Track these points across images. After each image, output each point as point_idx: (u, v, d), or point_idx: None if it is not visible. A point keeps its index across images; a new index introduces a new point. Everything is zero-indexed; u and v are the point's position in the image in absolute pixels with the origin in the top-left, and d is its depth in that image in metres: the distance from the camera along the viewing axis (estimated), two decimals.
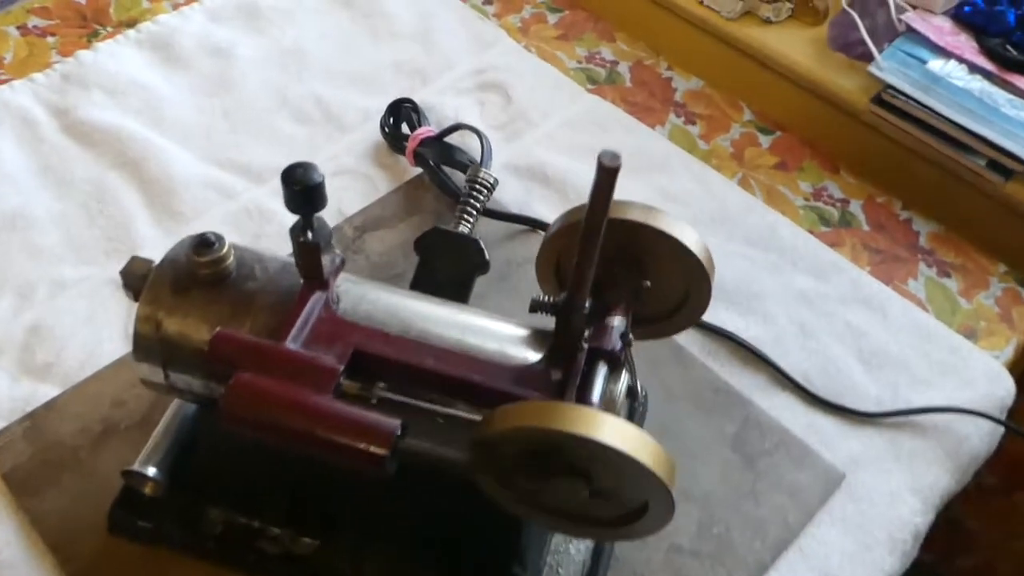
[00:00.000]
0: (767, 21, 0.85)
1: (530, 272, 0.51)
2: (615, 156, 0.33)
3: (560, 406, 0.36)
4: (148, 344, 0.46)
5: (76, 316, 0.65)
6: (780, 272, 0.70)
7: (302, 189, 0.39)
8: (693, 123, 0.83)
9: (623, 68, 0.87)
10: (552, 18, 0.93)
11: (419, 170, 0.75)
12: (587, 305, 0.39)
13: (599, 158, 0.33)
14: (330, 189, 0.74)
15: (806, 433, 0.61)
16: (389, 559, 0.51)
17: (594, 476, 0.37)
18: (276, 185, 0.73)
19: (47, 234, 0.70)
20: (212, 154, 0.76)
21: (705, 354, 0.65)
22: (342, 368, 0.40)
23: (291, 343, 0.41)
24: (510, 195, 0.73)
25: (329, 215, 0.73)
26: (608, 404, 0.42)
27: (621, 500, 0.39)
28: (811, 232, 0.74)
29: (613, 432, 0.35)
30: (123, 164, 0.74)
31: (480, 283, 0.60)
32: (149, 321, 0.46)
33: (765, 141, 0.81)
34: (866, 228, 0.75)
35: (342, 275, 0.48)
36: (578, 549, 0.54)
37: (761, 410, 0.62)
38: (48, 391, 0.60)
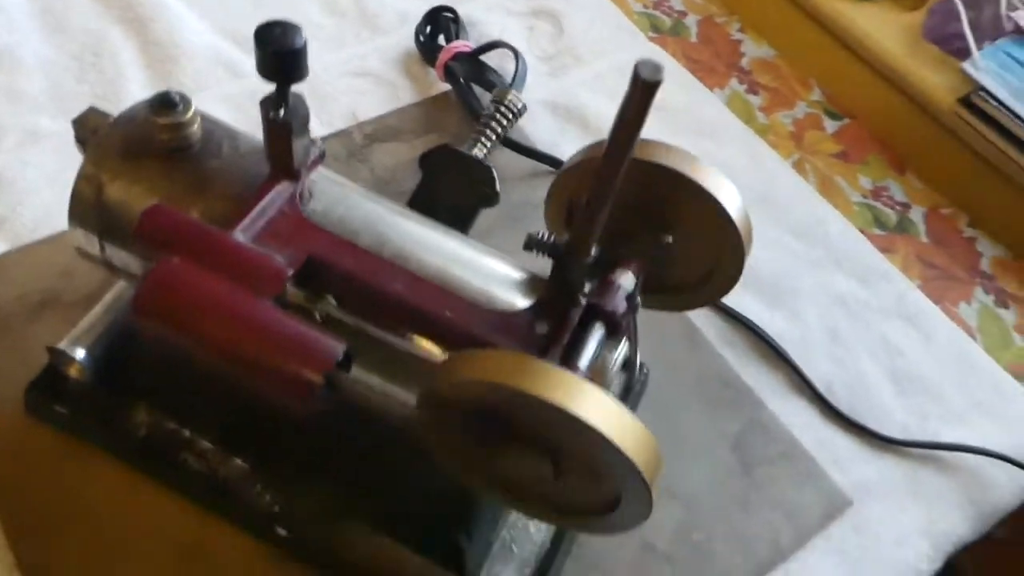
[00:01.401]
0: None
1: None
2: (657, 68, 0.26)
3: (535, 363, 0.29)
4: (85, 208, 0.40)
5: (42, 172, 0.59)
6: (821, 269, 0.63)
7: (277, 52, 0.32)
8: (755, 93, 0.75)
9: (691, 21, 0.79)
10: None
11: (448, 87, 0.67)
12: (593, 253, 0.33)
13: (636, 67, 0.26)
14: (347, 90, 0.69)
15: (817, 448, 0.54)
16: (321, 501, 0.45)
17: (563, 455, 0.31)
18: None
19: (32, 80, 0.64)
20: (227, 27, 0.69)
21: (721, 341, 0.58)
22: (291, 272, 0.33)
23: (239, 234, 0.35)
24: (542, 132, 0.66)
25: (341, 117, 0.66)
26: (597, 374, 0.35)
27: (591, 488, 0.32)
28: (863, 232, 0.66)
29: (593, 406, 0.29)
30: (128, 20, 0.68)
31: (487, 219, 0.53)
32: (91, 182, 0.40)
33: (831, 126, 0.73)
34: (924, 239, 0.67)
35: (322, 171, 0.41)
36: (538, 528, 0.47)
37: (771, 414, 0.55)
38: None
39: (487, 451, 0.32)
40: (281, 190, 0.37)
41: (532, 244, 0.34)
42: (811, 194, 0.67)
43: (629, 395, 0.52)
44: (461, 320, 0.34)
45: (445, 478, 0.37)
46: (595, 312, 0.35)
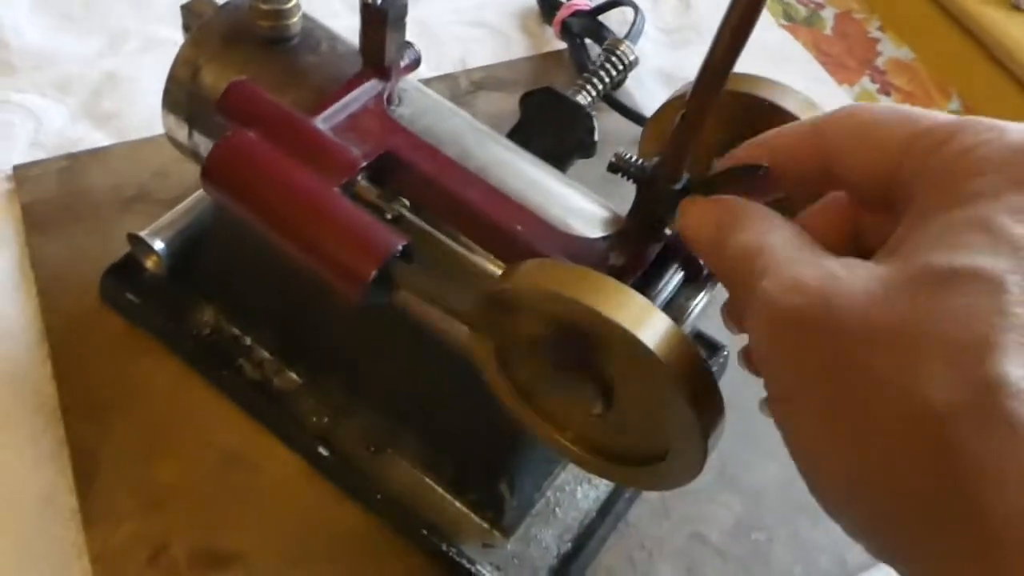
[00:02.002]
0: (1016, 7, 0.71)
1: None
2: None
3: (602, 278, 0.27)
4: (179, 91, 0.40)
5: (156, 77, 0.58)
6: None
7: None
8: (887, 94, 0.70)
9: (828, 13, 0.75)
10: None
11: (562, 46, 0.66)
12: (684, 181, 0.30)
13: None
14: (461, 37, 0.68)
15: None
16: (366, 426, 0.43)
17: (618, 385, 0.28)
18: (412, 14, 0.66)
19: None
20: None
21: None
22: (364, 164, 0.32)
23: (320, 122, 0.34)
24: (651, 101, 0.63)
25: (450, 62, 0.65)
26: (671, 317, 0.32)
27: (641, 431, 0.30)
28: None
29: (660, 335, 0.26)
30: None
31: (582, 177, 0.51)
32: (188, 65, 0.40)
33: None
34: None
35: (415, 82, 0.40)
36: (586, 495, 0.45)
37: None
38: (99, 139, 0.56)
39: (538, 371, 0.29)
40: (369, 87, 0.36)
41: (618, 167, 0.31)
42: None
43: None
44: (531, 236, 0.32)
45: (495, 421, 0.35)
46: (674, 253, 0.32)
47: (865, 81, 0.70)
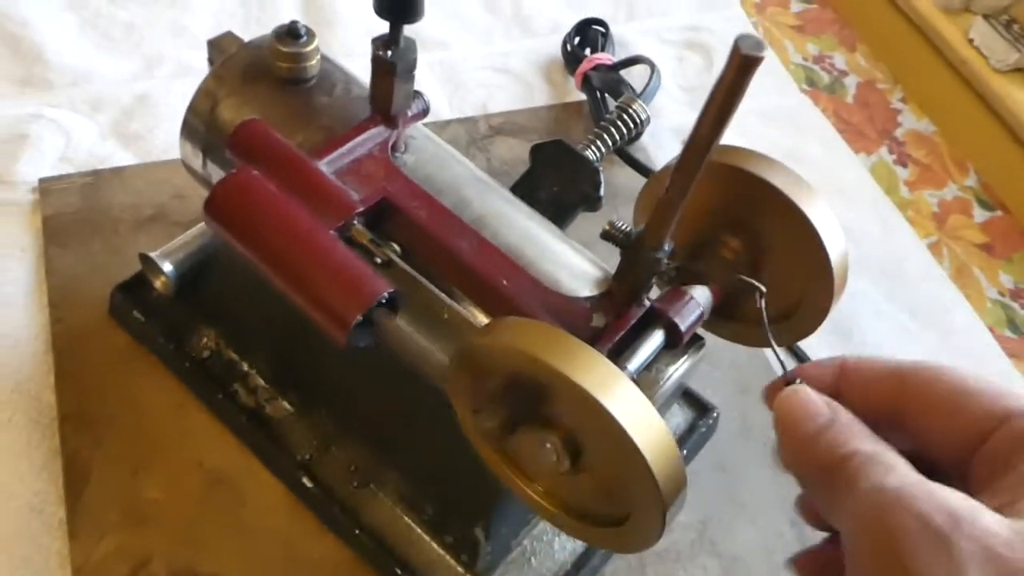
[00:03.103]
0: None
1: None
2: (759, 44, 0.24)
3: (573, 342, 0.27)
4: (198, 122, 0.42)
5: (184, 102, 0.61)
6: (933, 358, 0.58)
7: None
8: (904, 165, 0.71)
9: (850, 81, 0.76)
10: (796, 7, 0.82)
11: (583, 97, 0.67)
12: (666, 249, 0.31)
13: (736, 41, 0.24)
14: (485, 82, 0.69)
15: None
16: (352, 460, 0.44)
17: (584, 448, 0.29)
18: (440, 57, 0.68)
19: (197, 19, 0.67)
20: None
21: None
22: (360, 209, 0.33)
23: (323, 164, 0.35)
24: (665, 158, 0.64)
25: (472, 106, 0.67)
26: (645, 382, 0.33)
27: (604, 494, 0.30)
28: (992, 330, 0.60)
29: (625, 403, 0.27)
30: None
31: (586, 225, 0.52)
32: (208, 97, 0.41)
33: (980, 215, 0.68)
34: None
35: (424, 130, 0.41)
36: (563, 547, 0.45)
37: None
38: (125, 158, 0.58)
39: (509, 424, 0.30)
40: (376, 133, 0.37)
41: (609, 235, 0.32)
42: (942, 279, 0.62)
43: (693, 434, 0.49)
44: (514, 292, 0.32)
45: (476, 466, 0.35)
46: (657, 316, 0.33)
47: (883, 151, 0.70)
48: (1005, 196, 0.70)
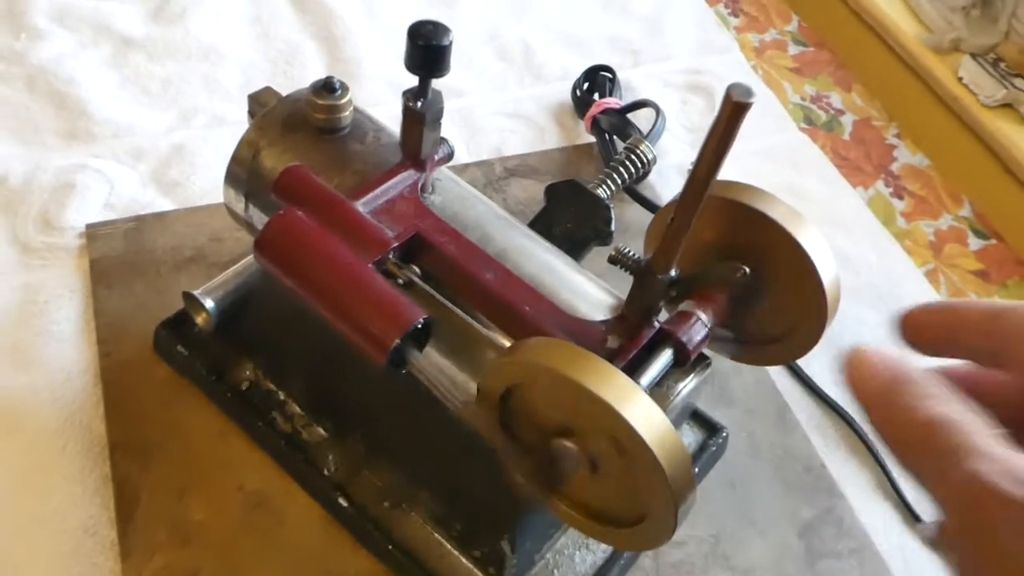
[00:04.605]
0: None
1: None
2: (748, 91, 0.27)
3: (593, 359, 0.31)
4: (240, 169, 0.45)
5: (219, 152, 0.66)
6: None
7: (426, 46, 0.36)
8: (900, 198, 0.74)
9: (847, 120, 0.79)
10: (793, 49, 0.86)
11: (592, 140, 0.71)
12: (672, 273, 0.34)
13: (728, 89, 0.28)
14: (500, 127, 0.73)
15: (892, 553, 0.52)
16: (384, 482, 0.47)
17: (602, 454, 0.32)
18: (457, 105, 0.72)
19: (230, 74, 0.72)
20: None
21: (812, 425, 0.57)
22: (395, 244, 0.37)
23: (360, 205, 0.38)
24: (672, 195, 0.68)
25: (487, 149, 0.71)
26: (657, 396, 0.36)
27: (622, 496, 0.33)
28: None
29: (638, 410, 0.30)
30: (324, 37, 0.75)
31: (597, 260, 0.55)
32: (250, 147, 0.45)
33: (975, 243, 0.71)
34: None
35: (450, 173, 0.45)
36: (583, 560, 0.48)
37: (849, 508, 0.53)
38: (165, 204, 0.62)
39: (536, 436, 0.33)
40: (406, 176, 0.41)
41: (617, 260, 0.36)
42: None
43: (704, 453, 0.52)
44: (536, 317, 0.36)
45: (502, 483, 0.38)
46: (665, 336, 0.36)
47: (879, 184, 0.73)
48: (999, 225, 0.73)
